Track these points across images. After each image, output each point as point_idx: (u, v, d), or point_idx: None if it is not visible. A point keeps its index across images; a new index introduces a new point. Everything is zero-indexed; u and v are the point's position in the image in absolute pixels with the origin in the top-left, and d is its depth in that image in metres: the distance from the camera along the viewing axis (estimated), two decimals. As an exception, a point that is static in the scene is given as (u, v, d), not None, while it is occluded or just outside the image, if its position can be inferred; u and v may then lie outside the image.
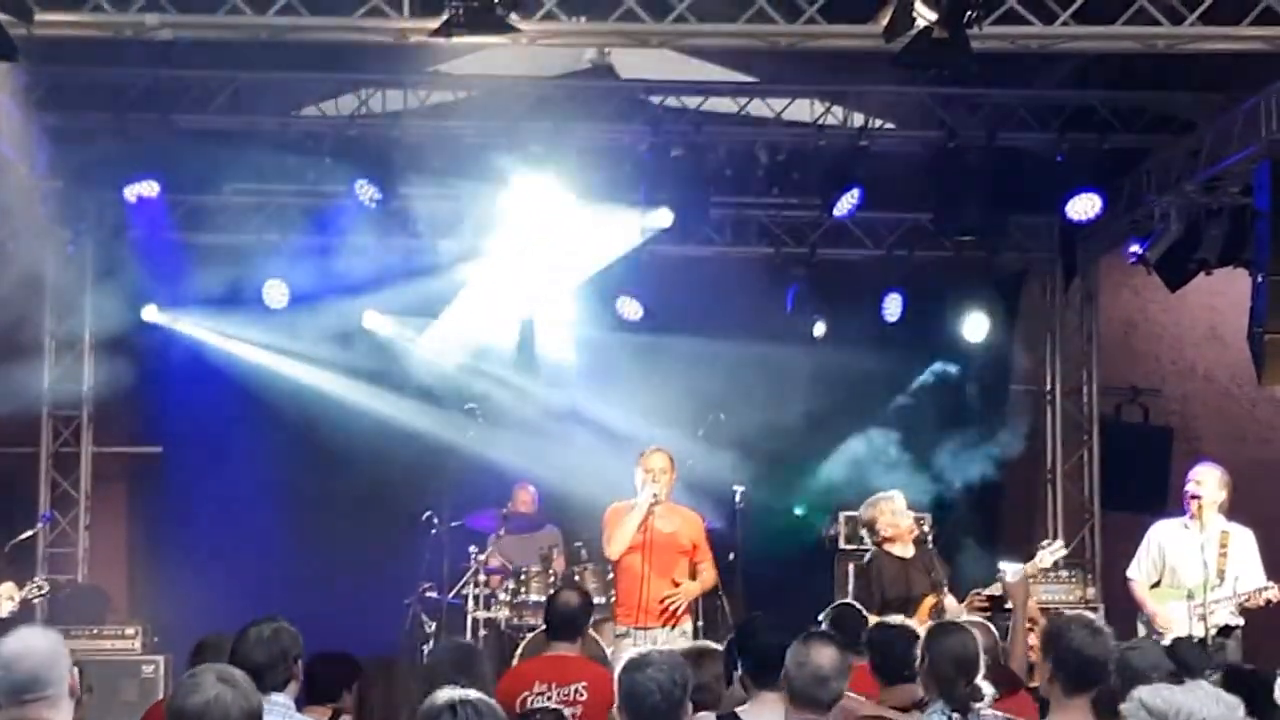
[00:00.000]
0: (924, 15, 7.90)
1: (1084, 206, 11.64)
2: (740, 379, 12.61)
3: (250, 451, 12.22)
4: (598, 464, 11.25)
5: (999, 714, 5.39)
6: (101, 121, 11.05)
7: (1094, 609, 11.71)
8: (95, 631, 11.29)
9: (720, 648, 6.31)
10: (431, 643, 10.91)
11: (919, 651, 5.69)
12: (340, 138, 11.35)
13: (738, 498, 10.90)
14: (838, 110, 11.67)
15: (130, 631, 11.37)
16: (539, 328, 13.01)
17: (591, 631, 8.96)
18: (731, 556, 10.63)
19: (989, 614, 8.92)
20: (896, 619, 7.09)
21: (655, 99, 11.66)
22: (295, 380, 12.66)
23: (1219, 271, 11.39)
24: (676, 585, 9.77)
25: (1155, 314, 13.89)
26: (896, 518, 9.77)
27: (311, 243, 12.41)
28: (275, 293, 12.54)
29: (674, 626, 9.82)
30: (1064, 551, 9.96)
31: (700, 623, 10.18)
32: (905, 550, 9.78)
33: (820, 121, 11.59)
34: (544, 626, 10.22)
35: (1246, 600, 9.32)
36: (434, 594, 11.18)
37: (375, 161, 11.44)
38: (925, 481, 10.60)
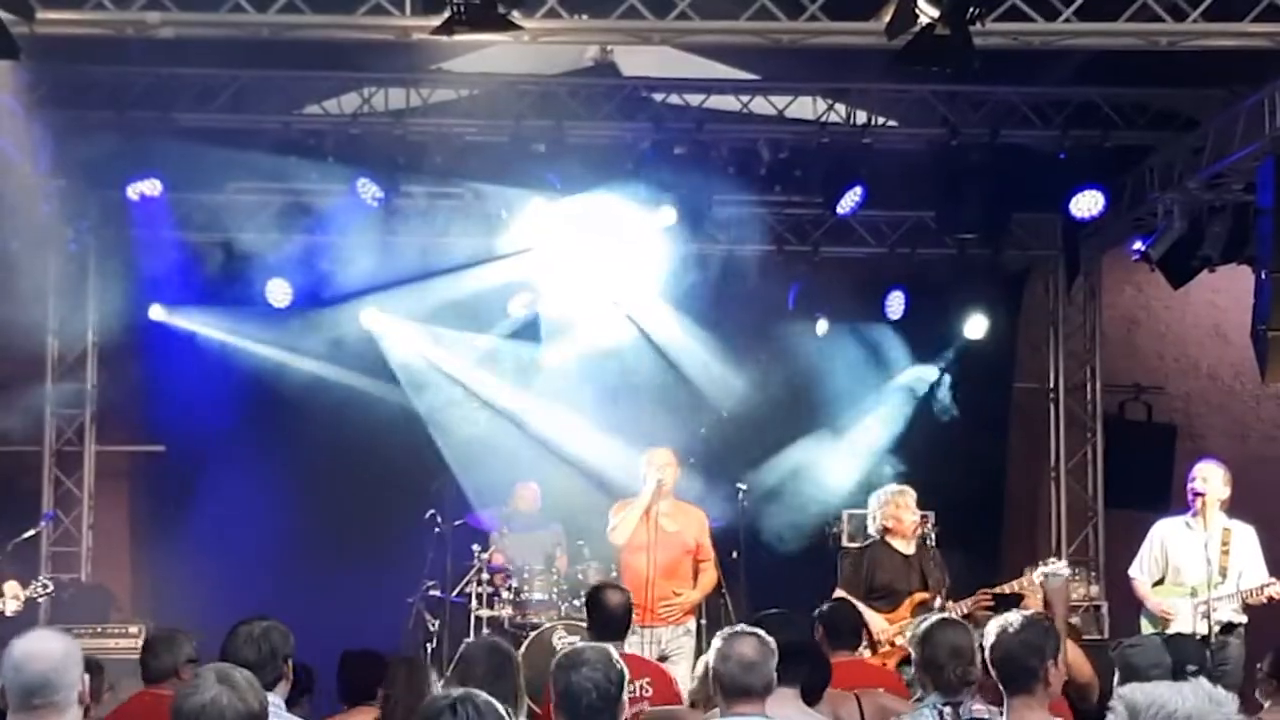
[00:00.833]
0: (926, 12, 7.89)
1: (1087, 204, 11.62)
2: (743, 376, 12.63)
3: (253, 450, 12.23)
4: (600, 462, 11.27)
5: (991, 708, 5.39)
6: (104, 120, 11.04)
7: (1097, 607, 11.76)
8: (98, 630, 11.29)
9: None
10: (435, 641, 10.93)
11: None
12: (342, 136, 11.34)
13: (740, 495, 10.92)
14: (840, 108, 11.66)
15: (133, 630, 11.36)
16: (542, 325, 13.01)
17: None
18: (734, 554, 10.65)
19: (994, 612, 8.96)
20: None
21: (658, 97, 11.65)
22: (298, 379, 12.66)
23: (1222, 269, 11.39)
24: (679, 589, 9.82)
25: (1158, 311, 13.89)
26: (900, 511, 9.81)
27: (314, 241, 12.41)
28: (278, 291, 12.55)
29: (678, 625, 9.87)
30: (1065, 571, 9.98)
31: (704, 621, 10.20)
32: (905, 546, 9.82)
33: (823, 119, 11.59)
34: (547, 625, 10.41)
35: (1249, 597, 9.33)
36: (437, 592, 11.19)
37: (377, 160, 11.45)
38: (927, 479, 10.59)
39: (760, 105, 11.61)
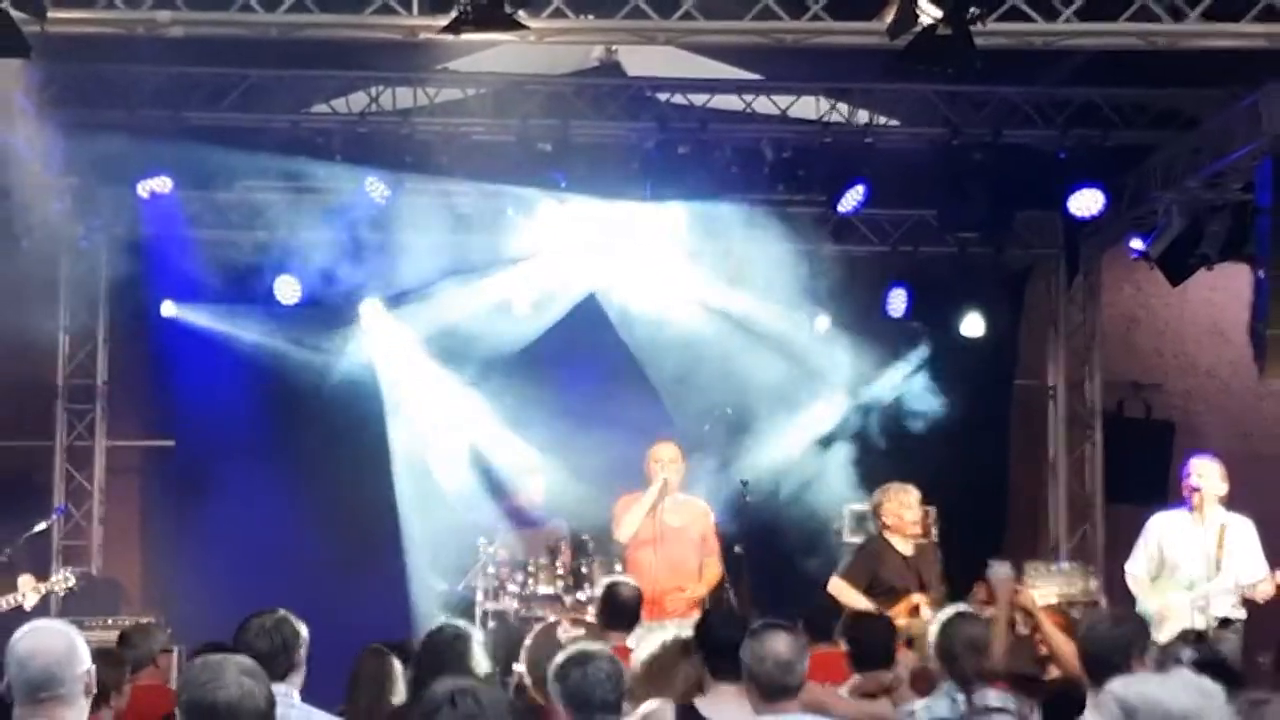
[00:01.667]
0: (928, 12, 7.96)
1: (1087, 202, 11.67)
2: (746, 373, 12.68)
3: (262, 444, 12.32)
4: (605, 458, 11.33)
5: (1004, 693, 5.49)
6: (114, 118, 11.10)
7: (1096, 602, 11.80)
8: (109, 623, 11.32)
9: None
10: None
11: (899, 640, 5.78)
12: (350, 135, 11.40)
13: (744, 490, 11.00)
14: (843, 107, 11.73)
15: (144, 623, 11.44)
16: (545, 324, 13.08)
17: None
18: (737, 549, 10.72)
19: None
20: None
21: (662, 96, 11.72)
22: (307, 375, 12.74)
23: (1221, 267, 11.44)
24: (685, 584, 9.91)
25: (1158, 309, 13.94)
26: (901, 509, 9.87)
27: (322, 239, 12.49)
28: (287, 288, 12.62)
29: (684, 619, 9.94)
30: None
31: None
32: (905, 546, 9.89)
33: (825, 119, 11.65)
34: (552, 619, 10.49)
35: (1247, 591, 9.36)
36: (443, 585, 11.26)
37: (385, 158, 11.53)
38: (929, 475, 10.65)
39: (763, 105, 11.67)
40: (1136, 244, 11.83)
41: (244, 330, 12.82)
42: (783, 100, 11.63)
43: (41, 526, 11.76)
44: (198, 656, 4.24)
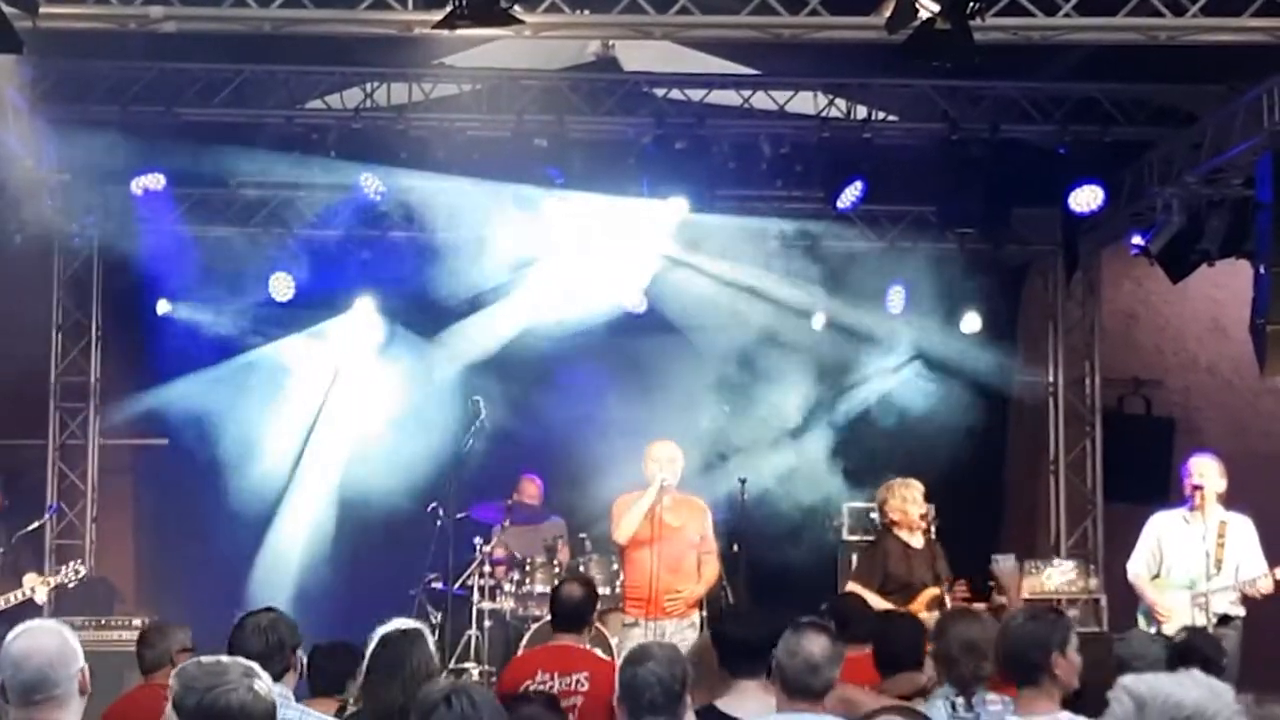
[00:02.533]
0: (927, 7, 7.92)
1: (1086, 198, 11.65)
2: (744, 371, 12.65)
3: (255, 443, 12.27)
4: (603, 456, 11.28)
5: (1005, 698, 5.43)
6: (107, 114, 11.08)
7: (1096, 600, 11.77)
8: (102, 623, 11.29)
9: None
10: (437, 634, 10.93)
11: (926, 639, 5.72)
12: (345, 131, 11.37)
13: (742, 488, 10.95)
14: (840, 103, 11.72)
15: (137, 623, 11.28)
16: (543, 321, 13.03)
17: (597, 623, 8.99)
18: (735, 547, 10.68)
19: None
20: (890, 606, 7.17)
21: (659, 92, 11.70)
22: (300, 372, 12.69)
23: (1221, 263, 11.41)
24: (683, 584, 9.86)
25: (1157, 306, 13.91)
26: (906, 504, 9.85)
27: (317, 235, 12.45)
28: (281, 285, 12.59)
29: (683, 618, 9.90)
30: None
31: (706, 614, 10.21)
32: (913, 539, 9.86)
33: (823, 114, 11.63)
34: (549, 617, 10.43)
35: (1247, 588, 9.35)
36: (439, 585, 11.21)
37: (380, 154, 11.48)
38: (927, 472, 10.61)
39: (761, 100, 11.65)
40: (1137, 240, 11.78)
41: (238, 328, 12.77)
42: (780, 95, 11.60)
43: (34, 525, 11.72)
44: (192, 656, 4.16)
